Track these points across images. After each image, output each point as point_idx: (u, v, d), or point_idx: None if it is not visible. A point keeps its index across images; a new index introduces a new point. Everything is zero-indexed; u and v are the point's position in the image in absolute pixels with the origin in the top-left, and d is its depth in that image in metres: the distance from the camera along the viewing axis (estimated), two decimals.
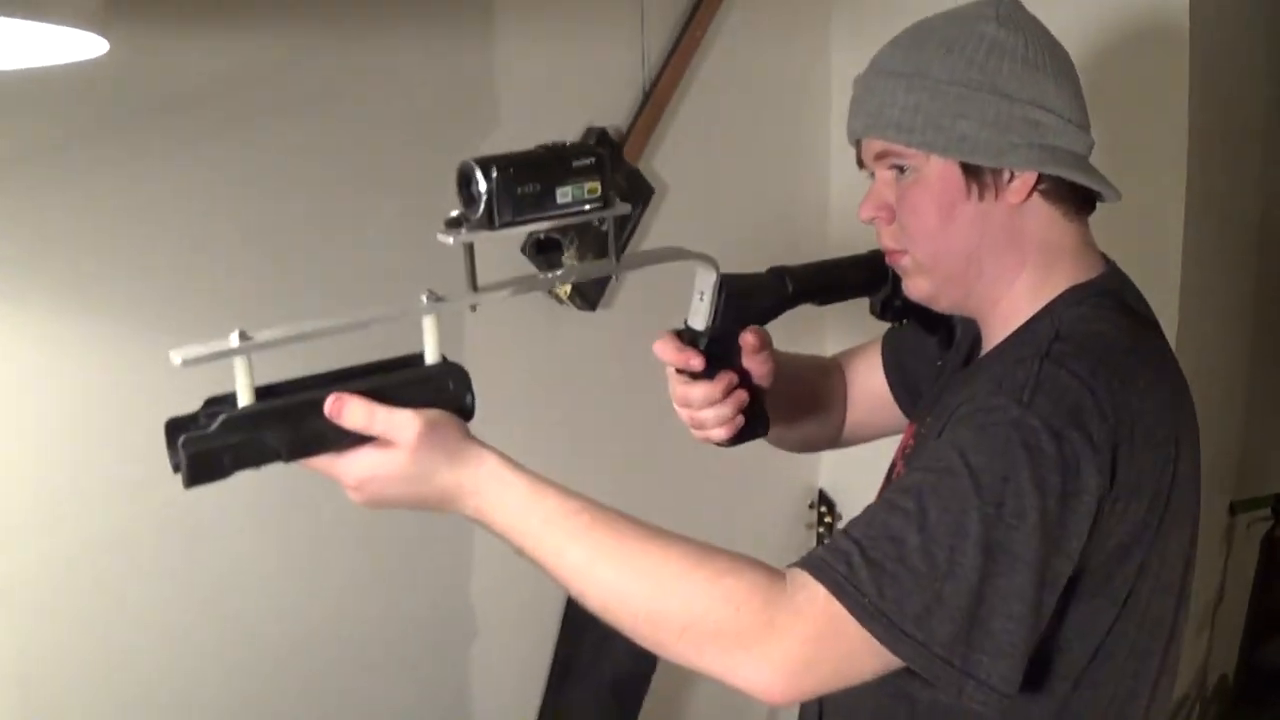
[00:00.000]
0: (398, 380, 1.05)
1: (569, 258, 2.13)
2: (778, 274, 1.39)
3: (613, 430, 2.33)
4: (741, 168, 2.51)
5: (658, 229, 2.35)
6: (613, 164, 2.20)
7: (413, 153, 1.99)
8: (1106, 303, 1.24)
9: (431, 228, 2.00)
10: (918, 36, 1.28)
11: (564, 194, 1.09)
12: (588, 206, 1.11)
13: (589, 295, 2.23)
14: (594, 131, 2.20)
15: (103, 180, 1.65)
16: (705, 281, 1.33)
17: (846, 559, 1.02)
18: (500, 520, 1.08)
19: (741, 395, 1.36)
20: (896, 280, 1.39)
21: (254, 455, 0.98)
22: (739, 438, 1.39)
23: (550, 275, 1.19)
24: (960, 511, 1.03)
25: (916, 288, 1.31)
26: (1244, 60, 2.52)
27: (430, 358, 1.08)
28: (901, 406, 1.57)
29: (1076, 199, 1.27)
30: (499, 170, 1.04)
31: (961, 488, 1.04)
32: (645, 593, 1.05)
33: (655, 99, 2.27)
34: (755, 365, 1.38)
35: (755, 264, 2.60)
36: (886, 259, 1.33)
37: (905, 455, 1.38)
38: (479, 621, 2.18)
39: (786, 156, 2.62)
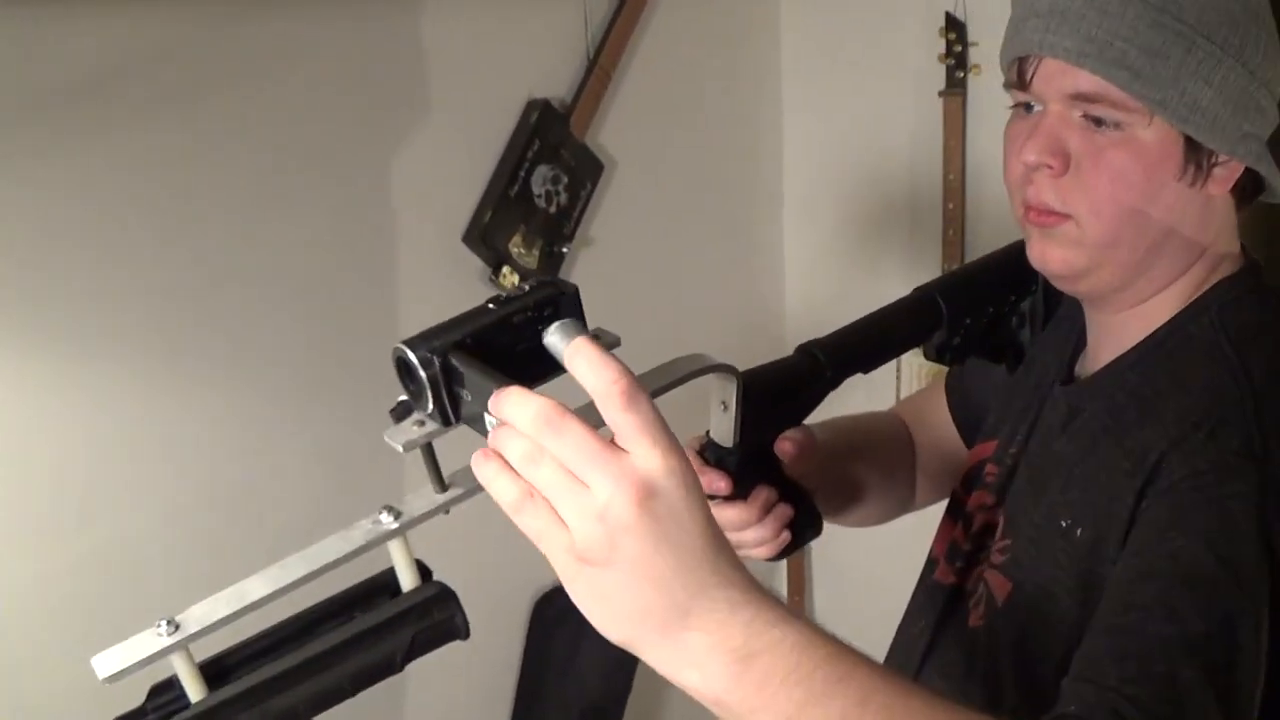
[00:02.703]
0: (370, 624, 0.87)
1: None
2: (807, 354, 1.15)
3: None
4: (692, 139, 2.35)
5: (607, 208, 2.18)
6: (559, 141, 2.03)
7: (336, 132, 1.81)
8: (1270, 301, 1.07)
9: (357, 217, 1.89)
10: None
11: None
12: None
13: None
14: (536, 104, 2.02)
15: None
16: (725, 391, 1.08)
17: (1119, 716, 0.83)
18: (768, 660, 0.71)
19: (784, 511, 1.14)
20: (953, 318, 1.20)
21: None
22: (786, 551, 1.19)
23: None
24: (1225, 615, 0.88)
25: (1061, 260, 1.06)
26: None
27: (406, 583, 0.89)
28: (969, 445, 1.36)
29: (1254, 193, 1.09)
30: (440, 357, 0.81)
31: (1222, 589, 0.88)
32: None
33: (601, 66, 2.08)
34: (799, 468, 1.16)
35: (710, 244, 2.51)
36: (1029, 216, 1.07)
37: (989, 484, 1.19)
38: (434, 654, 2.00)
39: (738, 123, 2.46)
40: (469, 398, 0.81)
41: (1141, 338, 1.08)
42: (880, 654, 1.29)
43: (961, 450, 1.34)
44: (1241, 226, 1.11)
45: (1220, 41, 0.99)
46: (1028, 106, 1.07)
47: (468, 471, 0.86)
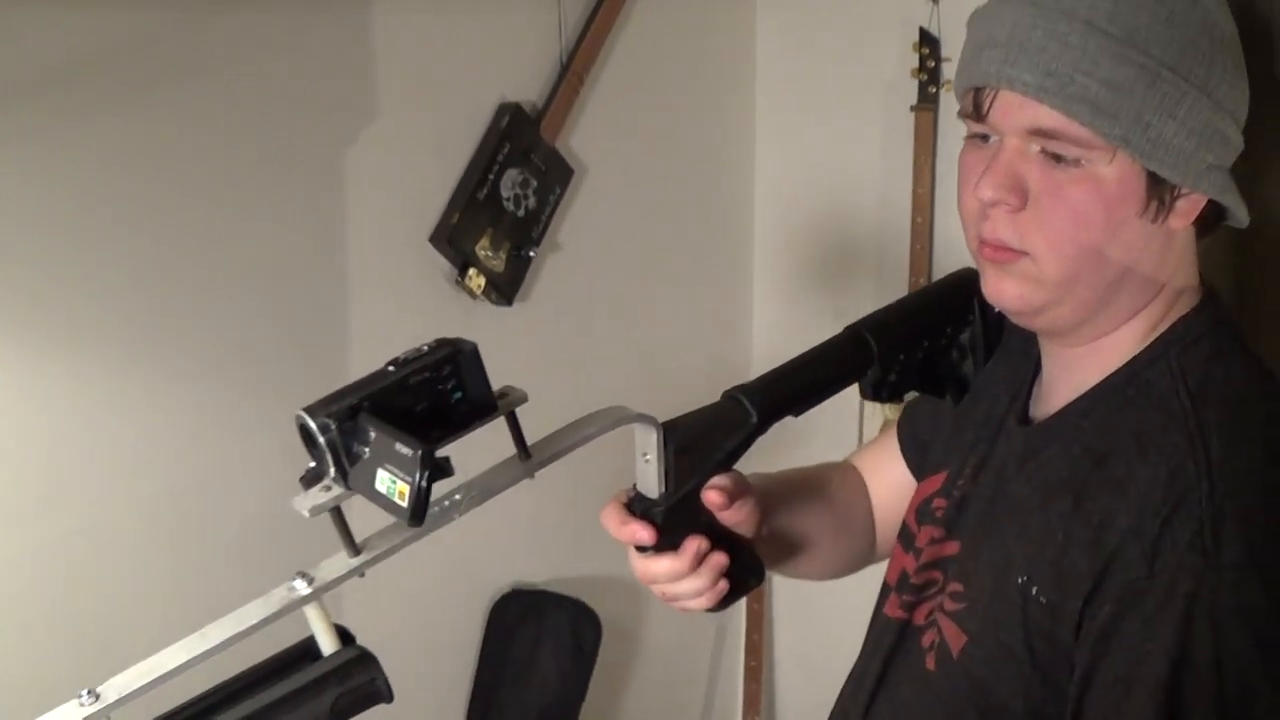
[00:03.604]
0: (290, 689, 0.87)
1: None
2: (733, 400, 1.11)
3: (533, 427, 2.14)
4: (664, 146, 2.34)
5: (576, 213, 2.18)
6: (530, 145, 2.02)
7: (305, 129, 1.81)
8: (1226, 342, 1.04)
9: (324, 215, 1.88)
10: None
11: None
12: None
13: (504, 289, 2.04)
14: (507, 107, 2.01)
15: None
16: (647, 441, 1.06)
17: None
18: None
19: (718, 560, 1.10)
20: (885, 355, 1.16)
21: None
22: (726, 601, 1.17)
23: (450, 503, 0.91)
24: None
25: (1017, 296, 1.03)
26: None
27: (326, 648, 0.89)
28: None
29: (1215, 222, 1.05)
30: (337, 421, 0.82)
31: (1184, 694, 0.90)
32: None
33: (574, 70, 2.08)
34: (731, 516, 1.11)
35: (679, 251, 2.51)
36: (984, 252, 1.04)
37: (939, 517, 1.16)
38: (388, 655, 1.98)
39: (711, 132, 2.46)
40: (367, 455, 0.82)
41: (1100, 377, 1.05)
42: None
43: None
44: (1202, 253, 1.08)
45: (1185, 74, 0.96)
46: (983, 136, 1.03)
47: (381, 535, 0.88)
